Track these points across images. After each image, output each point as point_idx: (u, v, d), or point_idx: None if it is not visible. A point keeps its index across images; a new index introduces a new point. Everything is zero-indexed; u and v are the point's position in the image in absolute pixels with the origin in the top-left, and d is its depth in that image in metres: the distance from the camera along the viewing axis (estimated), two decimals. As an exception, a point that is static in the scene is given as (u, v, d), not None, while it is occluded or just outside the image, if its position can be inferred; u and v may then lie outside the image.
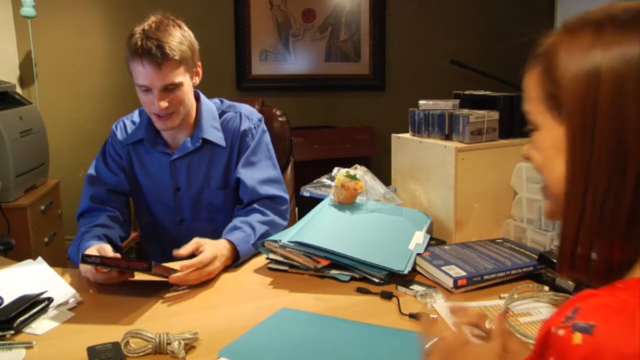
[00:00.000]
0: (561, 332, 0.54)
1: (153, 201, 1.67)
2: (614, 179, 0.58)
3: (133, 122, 1.66)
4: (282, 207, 1.62)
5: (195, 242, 1.37)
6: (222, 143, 1.61)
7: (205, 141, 1.60)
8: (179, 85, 1.48)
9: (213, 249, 1.35)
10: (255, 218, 1.52)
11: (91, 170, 1.66)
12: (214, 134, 1.61)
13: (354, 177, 1.53)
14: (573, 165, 0.61)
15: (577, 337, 0.52)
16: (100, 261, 1.19)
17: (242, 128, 1.64)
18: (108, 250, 1.33)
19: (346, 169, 1.59)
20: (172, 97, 1.48)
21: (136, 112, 1.69)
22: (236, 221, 1.51)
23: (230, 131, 1.63)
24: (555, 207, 0.66)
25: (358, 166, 1.63)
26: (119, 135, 1.65)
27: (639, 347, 0.49)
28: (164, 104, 1.46)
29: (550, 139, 0.64)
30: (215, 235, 1.46)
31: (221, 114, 1.65)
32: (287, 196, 1.65)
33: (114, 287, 1.29)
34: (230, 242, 1.41)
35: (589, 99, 0.58)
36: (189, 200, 1.64)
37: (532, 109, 0.66)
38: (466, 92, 1.67)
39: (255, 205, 1.58)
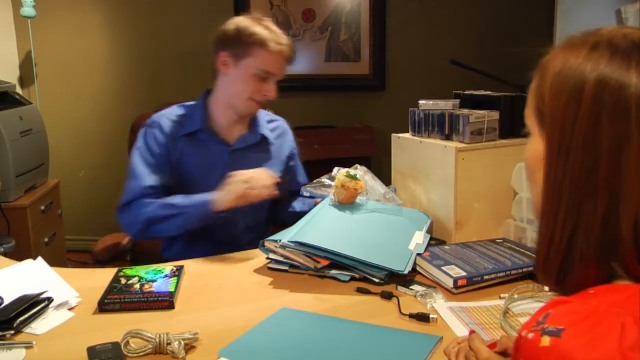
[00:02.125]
0: (530, 335, 0.55)
1: (200, 190, 1.65)
2: (584, 205, 0.58)
3: (179, 117, 1.70)
4: None
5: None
6: (275, 142, 1.77)
7: (262, 137, 1.73)
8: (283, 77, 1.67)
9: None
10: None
11: (134, 166, 1.65)
12: (269, 133, 1.76)
13: (354, 177, 1.53)
14: (547, 183, 0.62)
15: (545, 340, 0.53)
16: (120, 307, 1.18)
17: (290, 136, 1.84)
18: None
19: (346, 169, 1.59)
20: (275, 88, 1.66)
21: (174, 108, 1.74)
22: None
23: (279, 134, 1.80)
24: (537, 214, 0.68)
25: (358, 166, 1.63)
26: (169, 128, 1.67)
27: (605, 351, 0.51)
28: (275, 93, 1.64)
29: (534, 150, 0.66)
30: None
31: (268, 118, 1.82)
32: None
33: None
34: None
35: (569, 116, 0.59)
36: None
37: (527, 116, 0.68)
38: (466, 92, 1.67)
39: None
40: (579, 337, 0.52)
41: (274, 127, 1.80)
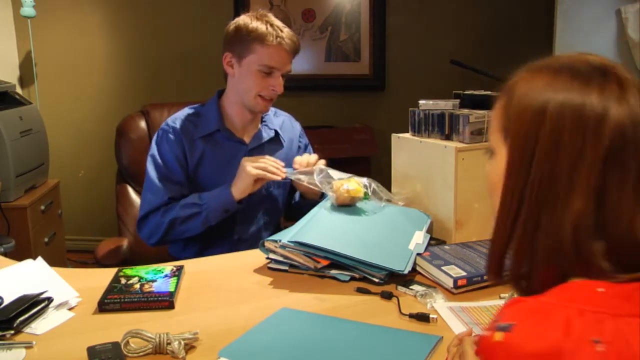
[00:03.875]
0: (487, 332, 0.61)
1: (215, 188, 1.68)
2: (541, 213, 0.64)
3: (194, 118, 1.71)
4: None
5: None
6: (285, 138, 1.80)
7: (275, 132, 1.78)
8: (290, 72, 1.67)
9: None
10: None
11: (150, 178, 1.66)
12: (279, 128, 1.80)
13: (355, 184, 1.52)
14: (506, 192, 0.67)
15: (498, 335, 0.59)
16: (120, 307, 1.19)
17: (297, 130, 1.87)
18: None
19: (348, 176, 1.57)
20: (282, 82, 1.66)
21: (186, 110, 1.75)
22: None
23: (287, 129, 1.83)
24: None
25: (357, 179, 1.59)
26: (186, 131, 1.68)
27: (552, 341, 0.56)
28: (282, 87, 1.64)
29: (499, 167, 0.70)
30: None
31: (274, 113, 1.84)
32: None
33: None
34: None
35: (532, 132, 0.65)
36: None
37: (491, 137, 0.73)
38: (466, 92, 1.67)
39: None
40: (527, 330, 0.58)
41: (281, 122, 1.84)
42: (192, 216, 1.60)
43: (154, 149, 1.69)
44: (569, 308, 0.58)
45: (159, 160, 1.67)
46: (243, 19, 1.63)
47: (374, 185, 1.56)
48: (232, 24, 1.65)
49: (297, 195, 1.87)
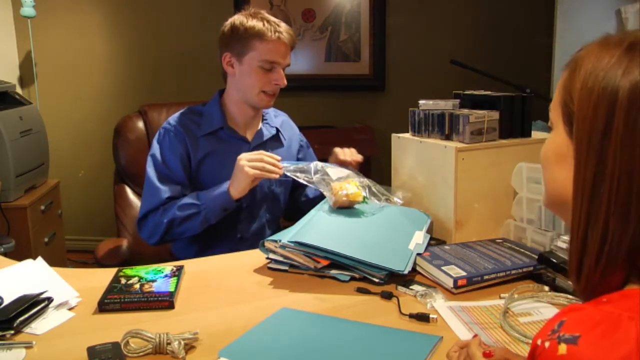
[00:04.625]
0: (547, 344, 0.55)
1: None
2: (621, 210, 0.57)
3: (196, 117, 1.71)
4: None
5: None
6: (285, 136, 1.82)
7: (276, 130, 1.79)
8: (289, 66, 1.68)
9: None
10: None
11: (150, 178, 1.66)
12: (279, 126, 1.82)
13: (353, 186, 1.52)
14: (577, 187, 0.61)
15: (562, 348, 0.53)
16: (120, 307, 1.19)
17: (296, 129, 1.89)
18: None
19: (346, 174, 1.57)
20: (284, 75, 1.67)
21: (187, 109, 1.75)
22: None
23: (286, 128, 1.84)
24: (549, 203, 0.69)
25: (355, 177, 1.59)
26: (189, 129, 1.68)
27: (621, 355, 0.51)
28: (285, 80, 1.66)
29: (555, 144, 0.65)
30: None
31: (274, 113, 1.86)
32: None
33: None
34: None
35: (601, 120, 0.57)
36: (256, 186, 1.67)
37: (552, 108, 0.67)
38: (466, 92, 1.67)
39: None
40: (595, 343, 0.52)
41: (281, 121, 1.85)
42: (190, 216, 1.59)
43: (155, 149, 1.69)
44: (636, 319, 0.53)
45: (160, 160, 1.67)
46: (238, 18, 1.65)
47: (373, 187, 1.56)
48: (228, 24, 1.66)
49: (309, 192, 1.85)
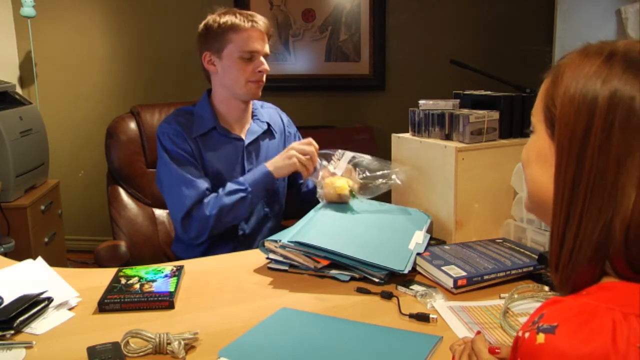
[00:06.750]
0: (527, 334, 0.58)
1: (218, 185, 1.67)
2: (594, 208, 0.60)
3: (187, 119, 1.71)
4: None
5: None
6: (276, 129, 1.82)
7: (267, 125, 1.80)
8: (268, 56, 1.69)
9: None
10: None
11: (179, 173, 1.63)
12: (270, 120, 1.82)
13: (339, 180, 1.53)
14: (560, 187, 0.64)
15: (541, 337, 0.56)
16: (120, 307, 1.18)
17: (285, 120, 1.89)
18: None
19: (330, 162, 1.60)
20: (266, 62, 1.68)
21: (176, 112, 1.75)
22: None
23: (276, 122, 1.85)
24: (530, 205, 0.74)
25: (343, 152, 1.63)
26: (183, 131, 1.67)
27: (599, 346, 0.53)
28: (267, 66, 1.67)
29: (536, 146, 0.69)
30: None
31: (261, 105, 1.86)
32: None
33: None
34: None
35: (582, 125, 0.61)
36: None
37: (534, 113, 0.70)
38: (466, 92, 1.67)
39: None
40: (572, 333, 0.55)
41: (269, 114, 1.86)
42: (238, 202, 1.60)
43: (167, 148, 1.65)
44: (612, 311, 0.56)
45: (179, 157, 1.64)
46: (211, 17, 1.68)
47: (370, 165, 1.58)
48: (202, 25, 1.69)
49: (309, 182, 1.83)
